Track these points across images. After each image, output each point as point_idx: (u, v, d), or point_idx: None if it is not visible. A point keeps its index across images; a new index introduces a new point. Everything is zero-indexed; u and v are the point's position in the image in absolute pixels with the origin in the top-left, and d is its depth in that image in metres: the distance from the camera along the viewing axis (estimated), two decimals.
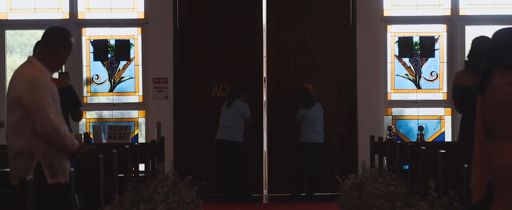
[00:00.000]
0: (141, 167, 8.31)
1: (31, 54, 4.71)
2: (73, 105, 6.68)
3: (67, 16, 10.90)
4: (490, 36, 5.95)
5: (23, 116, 4.40)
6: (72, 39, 4.69)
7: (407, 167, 7.53)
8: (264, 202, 10.50)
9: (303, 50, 10.86)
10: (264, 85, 11.53)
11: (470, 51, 5.93)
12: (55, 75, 4.96)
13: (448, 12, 10.95)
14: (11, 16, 10.97)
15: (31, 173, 4.30)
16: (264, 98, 11.60)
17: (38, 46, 4.68)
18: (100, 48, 10.94)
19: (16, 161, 4.44)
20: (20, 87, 4.42)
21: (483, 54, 5.82)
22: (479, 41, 5.94)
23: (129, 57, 10.97)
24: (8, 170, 4.49)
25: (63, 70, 5.59)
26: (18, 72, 4.55)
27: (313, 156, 10.20)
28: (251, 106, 10.32)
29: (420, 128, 10.40)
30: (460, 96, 5.67)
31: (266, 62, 10.92)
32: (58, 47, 4.58)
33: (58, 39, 4.60)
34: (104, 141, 9.79)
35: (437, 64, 10.97)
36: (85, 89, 10.94)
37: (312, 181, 10.20)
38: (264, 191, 10.85)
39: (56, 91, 4.51)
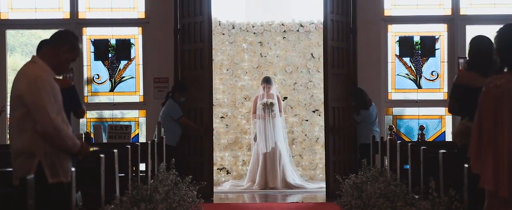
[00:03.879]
0: (142, 166, 8.31)
1: (33, 53, 4.71)
2: (75, 105, 6.70)
3: (67, 16, 10.92)
4: (488, 36, 5.99)
5: (25, 115, 4.40)
6: (79, 44, 4.68)
7: (407, 166, 7.53)
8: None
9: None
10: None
11: (470, 51, 5.95)
12: None
13: (448, 12, 10.96)
14: (12, 16, 10.98)
15: (33, 172, 4.30)
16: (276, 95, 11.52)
17: (43, 45, 4.70)
18: (101, 48, 10.95)
19: (18, 161, 4.44)
20: (21, 86, 4.43)
21: (483, 53, 5.85)
22: (477, 41, 5.97)
23: (130, 56, 10.98)
24: (8, 169, 4.49)
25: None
26: (21, 71, 4.56)
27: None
28: (199, 105, 10.13)
29: (421, 128, 10.40)
30: (468, 97, 5.60)
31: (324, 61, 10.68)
32: (58, 47, 4.58)
33: (60, 40, 4.60)
34: (104, 141, 9.79)
35: (438, 64, 10.97)
36: (85, 89, 10.95)
37: None
38: (214, 195, 10.35)
39: (58, 90, 4.51)
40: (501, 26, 4.20)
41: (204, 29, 10.40)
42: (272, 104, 11.40)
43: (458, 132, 4.91)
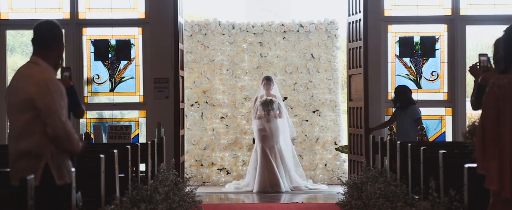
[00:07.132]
0: (142, 167, 8.31)
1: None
2: (74, 105, 6.70)
3: (67, 16, 10.91)
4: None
5: (33, 117, 4.36)
6: (63, 30, 4.69)
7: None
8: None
9: None
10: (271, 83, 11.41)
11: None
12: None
13: (448, 12, 10.95)
14: (12, 16, 10.97)
15: (39, 174, 4.30)
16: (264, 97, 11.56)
17: (36, 45, 4.61)
18: (101, 48, 10.95)
19: (21, 162, 4.39)
20: (31, 89, 4.37)
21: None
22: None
23: (130, 57, 10.98)
24: (8, 170, 4.47)
25: (64, 65, 5.58)
26: (24, 72, 4.49)
27: None
28: None
29: (421, 128, 10.38)
30: None
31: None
32: (59, 47, 4.58)
33: (57, 39, 4.59)
34: (104, 141, 9.78)
35: (438, 64, 10.97)
36: (85, 89, 10.94)
37: None
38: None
39: (65, 93, 4.49)
40: (501, 26, 4.19)
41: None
42: (272, 101, 11.36)
43: (468, 132, 4.91)
